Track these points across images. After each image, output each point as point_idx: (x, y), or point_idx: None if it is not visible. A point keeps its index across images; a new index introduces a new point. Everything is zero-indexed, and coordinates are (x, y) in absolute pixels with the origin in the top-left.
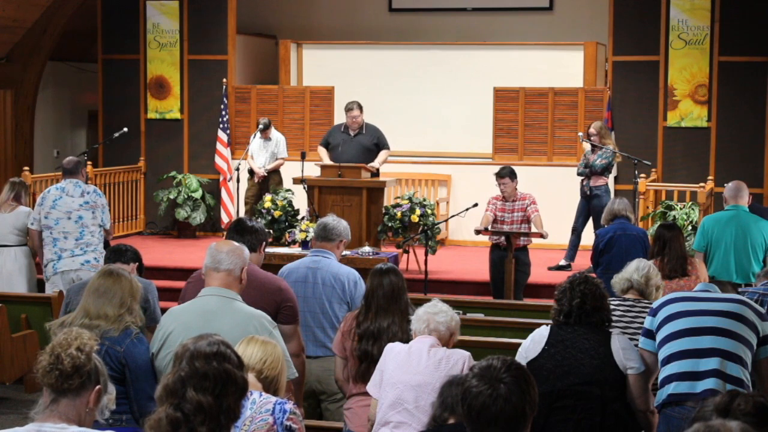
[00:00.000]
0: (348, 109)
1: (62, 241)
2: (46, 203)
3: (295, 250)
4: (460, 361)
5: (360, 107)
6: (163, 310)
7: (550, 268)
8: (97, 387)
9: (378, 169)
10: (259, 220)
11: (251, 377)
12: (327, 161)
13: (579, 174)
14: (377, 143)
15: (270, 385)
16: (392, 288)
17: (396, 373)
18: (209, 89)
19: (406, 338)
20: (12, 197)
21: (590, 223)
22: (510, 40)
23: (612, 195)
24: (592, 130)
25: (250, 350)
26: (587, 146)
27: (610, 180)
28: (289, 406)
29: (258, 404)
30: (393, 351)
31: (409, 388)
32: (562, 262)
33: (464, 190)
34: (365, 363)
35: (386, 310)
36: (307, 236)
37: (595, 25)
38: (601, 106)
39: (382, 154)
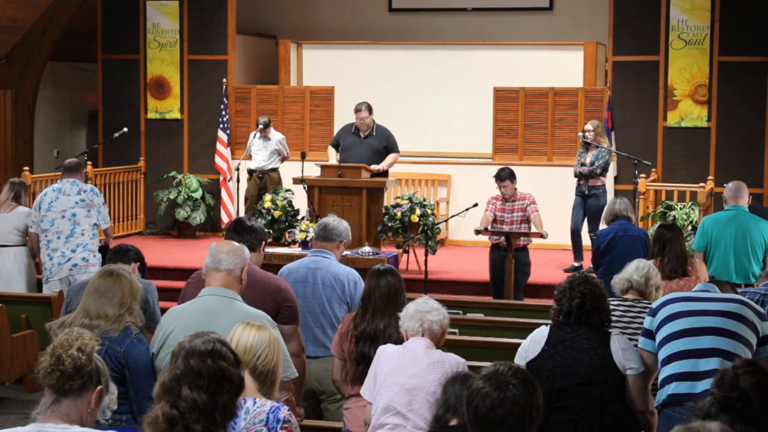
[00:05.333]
0: (356, 110)
1: (55, 242)
2: (42, 206)
3: (295, 250)
4: (455, 366)
5: (369, 108)
6: (163, 310)
7: (566, 270)
8: (99, 387)
9: (387, 170)
10: (259, 220)
11: (245, 378)
12: (333, 161)
13: (576, 176)
14: (386, 146)
15: (266, 379)
16: (389, 289)
17: (390, 376)
18: (209, 89)
19: (402, 340)
20: (12, 197)
21: (585, 222)
22: (510, 40)
23: (610, 195)
24: (588, 127)
25: (243, 341)
26: (586, 143)
27: (610, 180)
28: (283, 413)
29: (252, 414)
30: (386, 353)
31: (404, 392)
32: (575, 264)
33: (464, 190)
34: (362, 365)
35: (383, 311)
36: (307, 236)
37: (595, 25)
38: (601, 106)
39: (390, 158)
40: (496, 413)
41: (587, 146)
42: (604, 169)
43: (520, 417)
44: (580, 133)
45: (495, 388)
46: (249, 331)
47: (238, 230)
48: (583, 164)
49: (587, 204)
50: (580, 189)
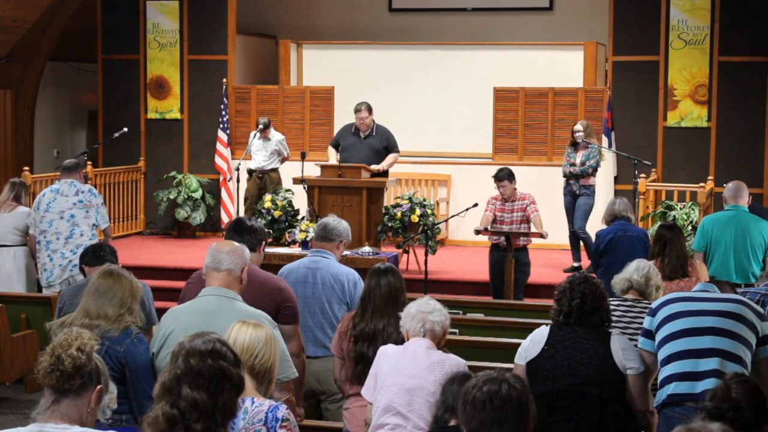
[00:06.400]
0: (356, 110)
1: (54, 243)
2: (41, 207)
3: (295, 250)
4: (455, 367)
5: (369, 108)
6: (163, 310)
7: (566, 270)
8: (99, 387)
9: (387, 170)
10: (259, 220)
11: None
12: (333, 161)
13: (566, 176)
14: (386, 146)
15: (263, 378)
16: (390, 289)
17: (391, 376)
18: (209, 89)
19: (401, 340)
20: (12, 197)
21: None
22: (510, 40)
23: (599, 194)
24: (578, 127)
25: (240, 340)
26: (581, 141)
27: (610, 180)
28: (282, 412)
29: (250, 414)
30: (386, 354)
31: (404, 392)
32: (575, 264)
33: (464, 190)
34: (361, 364)
35: (383, 311)
36: (307, 236)
37: (595, 25)
38: (601, 106)
39: (390, 158)
40: (498, 396)
41: (576, 146)
42: (595, 169)
43: (518, 401)
44: (576, 134)
45: (492, 381)
46: (246, 330)
47: (239, 230)
48: (572, 164)
49: (577, 203)
50: (569, 189)
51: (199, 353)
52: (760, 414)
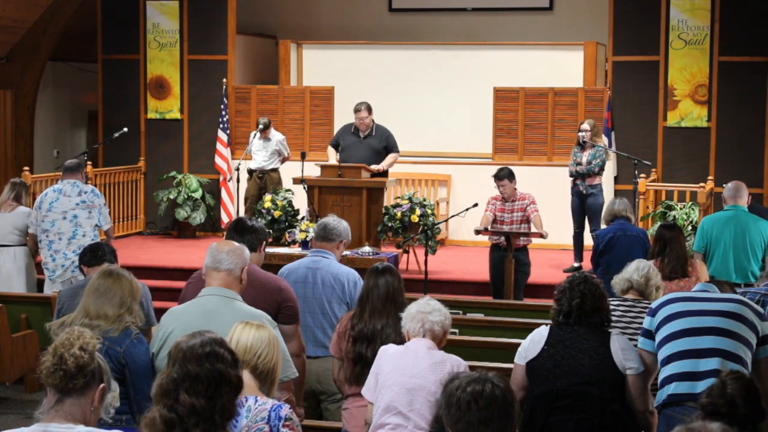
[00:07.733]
0: (356, 110)
1: (57, 243)
2: (43, 206)
3: (295, 250)
4: (456, 367)
5: (368, 108)
6: (163, 310)
7: (566, 270)
8: (102, 385)
9: (387, 170)
10: (259, 220)
11: (246, 376)
12: (332, 161)
13: (572, 175)
14: (386, 146)
15: (266, 379)
16: (388, 289)
17: (392, 376)
18: (209, 89)
19: (400, 340)
20: (12, 197)
21: (586, 222)
22: (510, 40)
23: (607, 194)
24: (585, 126)
25: (243, 341)
26: (584, 142)
27: (610, 180)
28: (285, 411)
29: (253, 412)
30: (387, 353)
31: (405, 392)
32: (575, 264)
33: (464, 190)
34: (359, 365)
35: (381, 311)
36: (307, 236)
37: (595, 25)
38: (601, 106)
39: (389, 158)
40: (484, 394)
41: (582, 145)
42: (601, 168)
43: (503, 400)
44: (581, 134)
45: (475, 382)
46: (248, 331)
47: (239, 230)
48: (579, 163)
49: (587, 204)
50: (576, 189)
51: (197, 357)
52: (755, 410)
